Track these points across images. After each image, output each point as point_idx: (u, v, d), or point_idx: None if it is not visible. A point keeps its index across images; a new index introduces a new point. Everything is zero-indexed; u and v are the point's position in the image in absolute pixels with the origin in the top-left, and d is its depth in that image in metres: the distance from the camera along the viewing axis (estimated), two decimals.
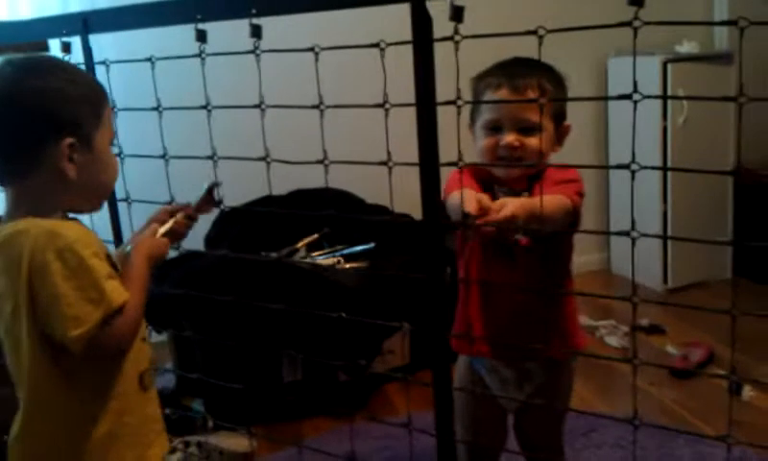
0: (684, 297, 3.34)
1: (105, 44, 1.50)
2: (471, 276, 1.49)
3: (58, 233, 1.05)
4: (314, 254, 2.84)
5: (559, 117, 1.47)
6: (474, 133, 1.50)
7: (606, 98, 1.42)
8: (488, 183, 1.46)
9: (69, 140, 1.09)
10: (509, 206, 1.19)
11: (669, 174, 3.32)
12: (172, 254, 1.34)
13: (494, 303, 1.48)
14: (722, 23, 1.91)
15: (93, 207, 1.21)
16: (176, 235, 1.31)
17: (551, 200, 1.27)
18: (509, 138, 1.40)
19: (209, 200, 1.35)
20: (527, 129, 1.39)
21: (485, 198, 1.18)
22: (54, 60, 1.18)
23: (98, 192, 1.20)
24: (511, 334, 1.38)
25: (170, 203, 1.37)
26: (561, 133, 1.48)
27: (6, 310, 1.12)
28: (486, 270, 1.47)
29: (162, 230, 1.28)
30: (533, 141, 1.38)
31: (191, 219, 1.33)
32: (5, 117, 1.07)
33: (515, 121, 1.40)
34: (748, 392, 2.40)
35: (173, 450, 1.62)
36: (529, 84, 1.40)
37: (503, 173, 1.46)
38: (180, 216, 1.32)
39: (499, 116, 1.42)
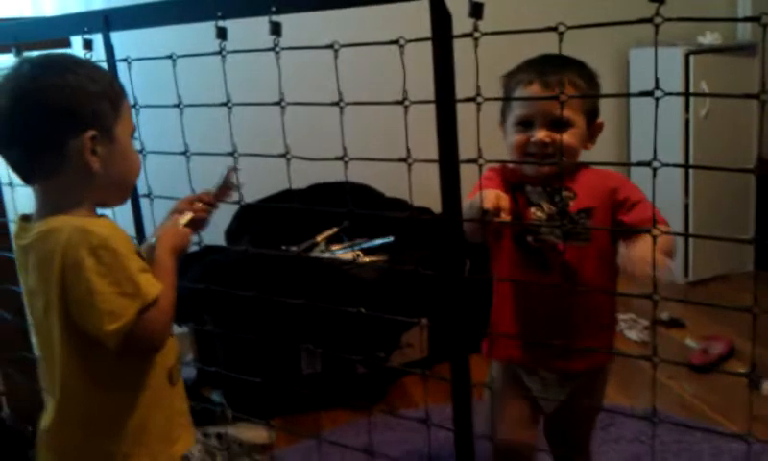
0: (705, 290, 3.32)
1: (126, 42, 1.51)
2: (504, 283, 1.48)
3: (90, 231, 1.06)
4: (333, 247, 2.85)
5: (591, 114, 1.45)
6: (505, 130, 1.49)
7: (627, 95, 1.40)
8: (518, 186, 1.45)
9: (91, 133, 1.10)
10: (646, 261, 1.12)
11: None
12: (193, 248, 1.35)
13: (529, 310, 1.46)
14: (745, 19, 1.89)
15: (119, 201, 1.22)
16: (197, 224, 1.32)
17: (669, 241, 1.26)
18: (540, 134, 1.39)
19: (228, 185, 1.36)
20: (558, 124, 1.37)
21: (504, 198, 1.18)
22: (70, 56, 1.18)
23: (123, 185, 1.21)
24: (546, 338, 1.33)
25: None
26: (593, 131, 1.47)
27: (38, 307, 1.14)
28: (519, 275, 1.45)
29: (183, 220, 1.29)
30: (564, 137, 1.38)
31: (211, 206, 1.34)
32: (26, 115, 1.08)
33: (546, 117, 1.39)
34: (767, 387, 2.38)
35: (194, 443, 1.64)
36: (560, 79, 1.39)
37: (533, 170, 1.45)
38: (200, 205, 1.33)
39: (530, 112, 1.41)
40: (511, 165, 1.50)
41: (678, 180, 3.30)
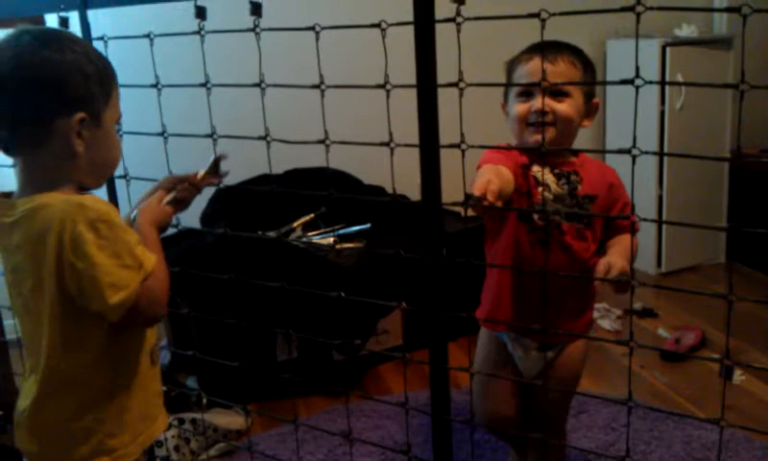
0: (677, 280, 3.36)
1: (102, 20, 1.49)
2: (506, 256, 1.54)
3: (86, 205, 1.05)
4: (310, 233, 2.84)
5: (588, 94, 1.55)
6: (507, 112, 1.58)
7: (607, 82, 1.42)
8: (527, 166, 1.51)
9: (80, 115, 1.09)
10: (617, 265, 1.30)
11: (666, 158, 3.33)
12: (170, 230, 1.34)
13: (525, 282, 1.55)
14: (725, 10, 1.91)
15: (96, 185, 1.21)
16: (180, 204, 1.32)
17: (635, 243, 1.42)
18: (538, 103, 1.47)
19: (215, 172, 1.35)
20: (557, 95, 1.48)
21: (494, 185, 1.19)
22: (70, 35, 1.17)
23: (103, 170, 1.20)
24: (539, 312, 1.44)
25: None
26: (590, 109, 1.56)
27: (25, 285, 1.12)
28: (518, 251, 1.53)
29: (168, 198, 1.29)
30: (563, 106, 1.47)
31: (196, 188, 1.34)
32: (20, 85, 1.07)
33: (544, 86, 1.46)
34: (738, 376, 2.43)
35: (168, 427, 1.63)
36: (560, 55, 1.50)
37: (534, 141, 1.50)
38: (184, 185, 1.32)
39: (530, 83, 1.50)
40: (517, 143, 1.57)
41: (652, 171, 3.33)
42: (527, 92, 1.50)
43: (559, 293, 1.50)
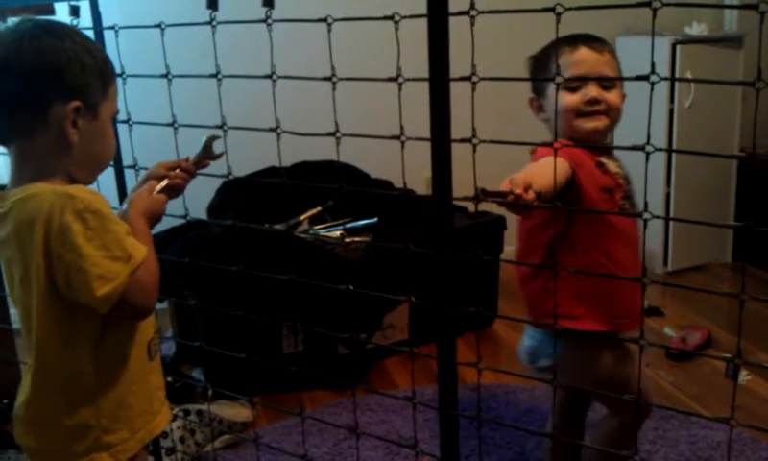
0: (684, 280, 3.35)
1: (113, 9, 1.48)
2: (592, 246, 1.49)
3: (74, 195, 1.05)
4: (317, 227, 2.84)
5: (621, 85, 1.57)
6: (542, 105, 1.58)
7: (624, 78, 1.42)
8: (603, 164, 1.51)
9: (76, 103, 1.09)
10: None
11: (674, 157, 3.31)
12: (177, 222, 1.34)
13: (623, 261, 1.53)
14: (741, 7, 1.90)
15: (89, 179, 1.19)
16: (174, 191, 1.30)
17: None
18: (593, 92, 1.49)
19: (208, 154, 1.34)
20: (606, 85, 1.50)
21: (537, 185, 1.16)
22: (72, 27, 1.17)
23: (96, 163, 1.19)
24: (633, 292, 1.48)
25: None
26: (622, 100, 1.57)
27: (15, 277, 1.12)
28: (609, 231, 1.51)
29: (159, 186, 1.27)
30: (612, 95, 1.51)
31: (189, 173, 1.33)
32: (19, 70, 1.07)
33: (595, 74, 1.51)
34: (744, 376, 2.42)
35: (173, 418, 1.63)
36: (604, 45, 1.52)
37: (590, 129, 1.50)
38: (177, 171, 1.31)
39: (582, 72, 1.50)
40: (563, 135, 1.53)
41: (660, 169, 3.32)
42: (575, 82, 1.51)
43: (636, 258, 1.54)
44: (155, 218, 1.24)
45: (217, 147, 1.35)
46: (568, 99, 1.50)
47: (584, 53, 1.49)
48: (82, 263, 1.03)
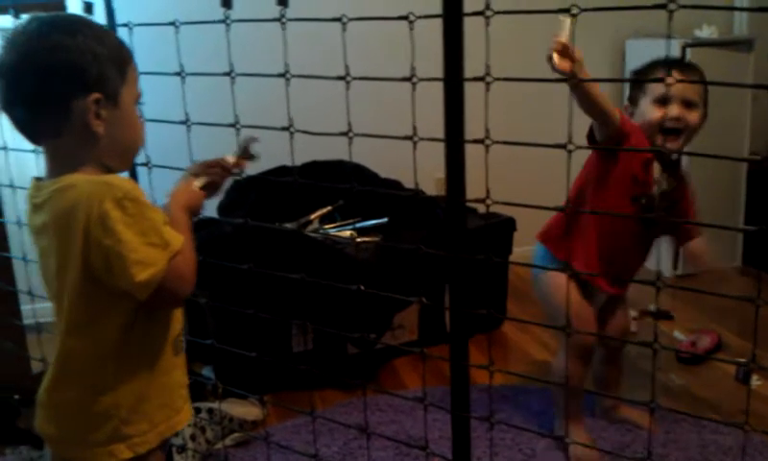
0: (694, 283, 3.33)
1: (127, 6, 1.49)
2: (604, 216, 1.84)
3: (112, 183, 1.06)
4: (327, 226, 2.84)
5: (706, 107, 1.84)
6: (637, 108, 1.85)
7: (642, 80, 1.51)
8: (649, 160, 1.75)
9: (95, 96, 1.10)
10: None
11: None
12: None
13: (617, 242, 1.88)
14: (755, 9, 1.92)
15: (123, 166, 1.21)
16: (211, 188, 1.33)
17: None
18: (675, 111, 1.76)
19: (245, 154, 1.36)
20: (689, 105, 1.78)
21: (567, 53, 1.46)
22: (79, 17, 1.17)
23: (126, 150, 1.20)
24: (621, 264, 1.89)
25: None
26: (703, 121, 1.85)
27: (51, 268, 1.13)
28: (619, 220, 1.86)
29: (199, 182, 1.30)
30: (693, 116, 1.79)
31: (227, 172, 1.35)
32: (33, 72, 1.07)
33: (681, 97, 1.77)
34: (755, 381, 2.41)
35: None
36: (691, 70, 1.82)
37: (663, 145, 1.75)
38: (216, 169, 1.33)
39: (669, 92, 1.75)
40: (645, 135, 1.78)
41: None
42: (664, 99, 1.75)
43: (635, 255, 1.85)
44: (193, 211, 1.27)
45: (254, 148, 1.36)
46: (654, 114, 1.77)
47: (674, 75, 1.71)
48: (120, 249, 1.04)
